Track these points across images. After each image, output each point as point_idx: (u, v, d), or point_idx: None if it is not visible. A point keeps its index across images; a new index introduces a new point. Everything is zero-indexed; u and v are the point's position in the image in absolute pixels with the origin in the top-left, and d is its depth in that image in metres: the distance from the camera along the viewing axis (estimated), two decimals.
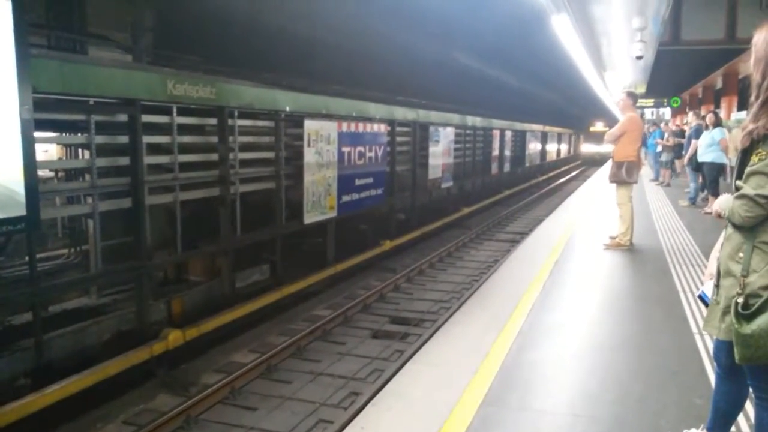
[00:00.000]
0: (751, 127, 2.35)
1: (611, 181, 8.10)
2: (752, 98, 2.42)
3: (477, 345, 4.63)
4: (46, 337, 5.48)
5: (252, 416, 5.62)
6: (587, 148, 48.40)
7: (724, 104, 19.35)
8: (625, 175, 7.78)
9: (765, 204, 2.26)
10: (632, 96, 8.34)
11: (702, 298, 2.69)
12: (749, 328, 2.25)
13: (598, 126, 44.53)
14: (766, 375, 2.44)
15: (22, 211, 4.77)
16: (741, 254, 2.37)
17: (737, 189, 2.37)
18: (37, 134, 5.05)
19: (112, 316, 6.31)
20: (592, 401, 3.71)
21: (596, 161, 42.70)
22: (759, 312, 2.25)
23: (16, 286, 5.75)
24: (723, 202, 2.47)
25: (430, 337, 5.80)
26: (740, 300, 2.31)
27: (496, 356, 4.38)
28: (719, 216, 2.51)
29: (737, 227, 2.40)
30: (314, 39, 10.00)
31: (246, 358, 6.89)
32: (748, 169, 2.33)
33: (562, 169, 37.95)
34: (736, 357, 2.32)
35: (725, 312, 2.42)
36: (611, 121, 32.91)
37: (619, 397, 3.74)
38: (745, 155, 2.38)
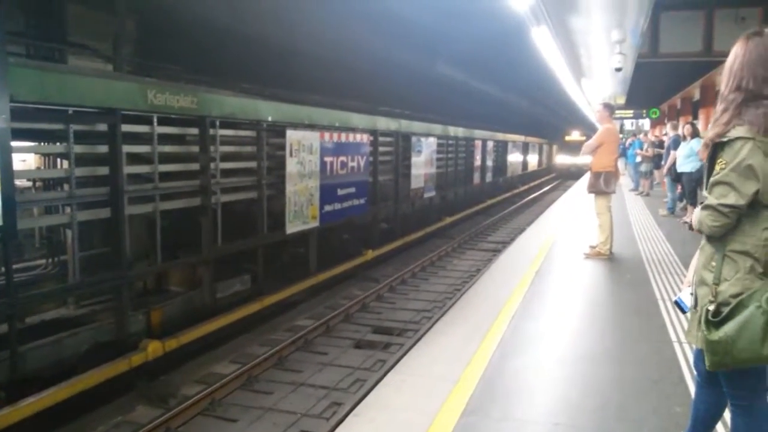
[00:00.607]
0: (710, 134, 2.41)
1: (589, 192, 8.19)
2: (717, 107, 2.50)
3: (459, 354, 4.64)
4: (21, 348, 5.39)
5: (233, 428, 5.57)
6: (562, 159, 43.08)
7: (701, 115, 19.62)
8: (603, 186, 7.87)
9: (728, 213, 2.30)
10: (609, 107, 8.45)
11: (678, 303, 2.73)
12: (716, 335, 2.30)
13: (574, 135, 40.32)
14: (740, 381, 2.48)
15: None
16: (713, 263, 2.41)
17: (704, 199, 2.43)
18: (14, 144, 4.98)
19: (90, 327, 6.22)
20: (573, 410, 3.73)
21: (572, 174, 38.30)
22: (727, 319, 2.30)
23: None
24: (697, 215, 2.49)
25: (413, 346, 5.79)
26: (711, 308, 2.36)
27: (478, 365, 4.39)
28: (699, 231, 2.52)
29: (708, 237, 2.45)
30: (296, 49, 10.00)
31: (227, 369, 6.82)
32: (711, 179, 2.38)
33: (531, 184, 32.86)
34: (707, 364, 2.37)
35: (701, 320, 2.45)
36: (588, 130, 33.15)
37: (600, 406, 3.76)
38: (710, 164, 2.42)
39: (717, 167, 2.34)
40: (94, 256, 6.46)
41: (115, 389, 5.95)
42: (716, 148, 2.37)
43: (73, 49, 6.92)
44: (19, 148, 5.58)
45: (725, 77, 2.46)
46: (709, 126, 2.52)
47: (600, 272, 7.45)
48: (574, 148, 32.60)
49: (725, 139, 2.32)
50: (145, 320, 6.67)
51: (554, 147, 44.29)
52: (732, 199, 2.28)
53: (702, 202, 2.42)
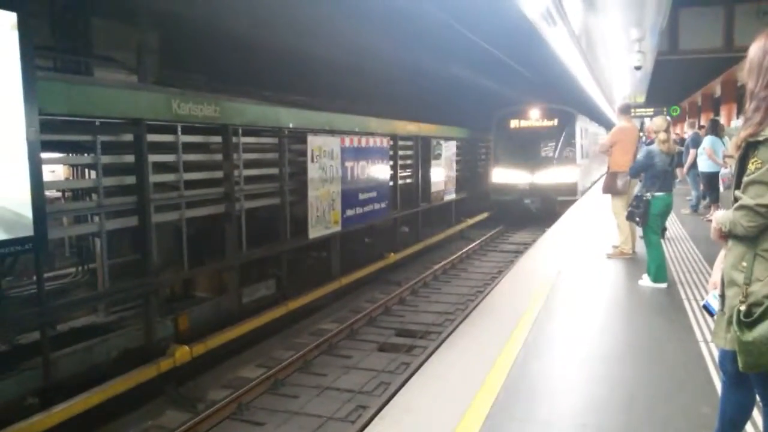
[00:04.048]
0: (742, 134, 2.37)
1: (605, 192, 8.13)
2: (746, 105, 2.44)
3: (483, 356, 4.65)
4: (53, 355, 5.51)
5: (260, 431, 5.63)
6: (504, 174, 17.28)
7: (723, 112, 19.40)
8: (618, 186, 7.80)
9: (765, 213, 2.25)
10: (623, 107, 8.42)
11: (707, 308, 2.68)
12: (751, 336, 2.25)
13: (534, 117, 17.25)
14: None
15: (29, 232, 4.83)
16: (744, 263, 2.36)
17: (737, 199, 2.36)
18: (44, 155, 5.12)
19: (120, 333, 6.34)
20: (599, 411, 3.73)
21: (528, 215, 17.37)
22: (761, 319, 2.25)
23: (24, 305, 5.79)
24: (721, 218, 2.45)
25: (436, 349, 5.82)
26: (743, 308, 2.31)
27: (502, 367, 4.40)
28: (721, 235, 2.48)
29: (739, 238, 2.39)
30: (314, 55, 10.07)
31: (253, 373, 6.90)
32: (745, 179, 2.32)
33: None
34: (740, 365, 2.32)
35: (730, 321, 2.40)
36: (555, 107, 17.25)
37: (627, 406, 3.75)
38: (742, 164, 2.37)
39: (751, 166, 2.29)
40: (123, 264, 6.59)
41: (145, 394, 6.06)
42: (749, 148, 2.33)
43: (99, 62, 7.05)
44: (48, 160, 5.72)
45: (754, 74, 2.39)
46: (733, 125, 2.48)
47: (623, 272, 7.41)
48: (534, 142, 16.88)
49: (760, 139, 2.27)
50: (173, 326, 6.78)
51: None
52: None
53: (735, 201, 2.36)
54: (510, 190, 16.81)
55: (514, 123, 17.24)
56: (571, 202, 15.75)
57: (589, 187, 19.50)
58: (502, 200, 17.30)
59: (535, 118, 17.02)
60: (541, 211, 16.63)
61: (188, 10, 7.22)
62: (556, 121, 16.90)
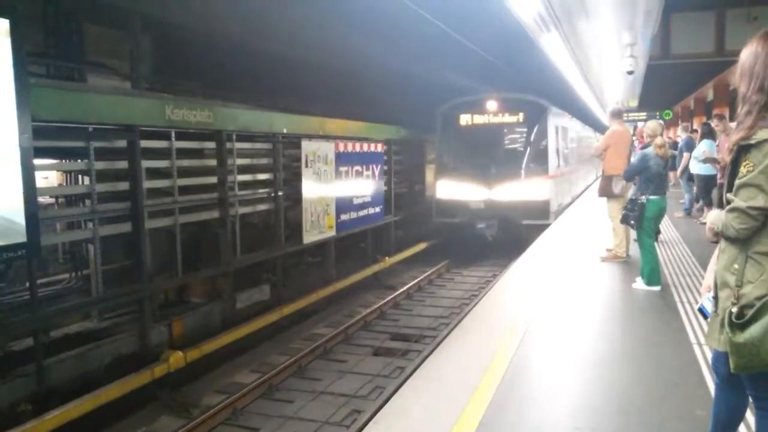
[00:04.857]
0: (734, 137, 2.39)
1: (600, 195, 8.16)
2: (738, 109, 2.46)
3: (477, 359, 4.65)
4: (47, 362, 5.49)
5: None
6: (448, 188, 12.95)
7: (713, 118, 19.47)
8: (613, 189, 7.84)
9: (757, 215, 2.27)
10: (615, 111, 8.48)
11: (702, 311, 2.69)
12: (742, 337, 2.27)
13: (490, 111, 12.95)
14: (765, 383, 2.46)
15: (22, 238, 4.81)
16: (736, 265, 2.37)
17: (728, 202, 2.37)
18: (36, 161, 5.11)
19: (114, 339, 6.32)
20: (594, 414, 3.74)
21: (480, 243, 12.95)
22: (752, 321, 2.27)
23: (17, 311, 5.77)
24: (714, 218, 2.47)
25: (431, 353, 5.82)
26: (734, 310, 2.33)
27: (496, 371, 4.40)
28: (714, 234, 2.49)
29: (731, 240, 2.41)
30: (309, 62, 10.07)
31: (247, 378, 6.89)
32: (737, 182, 2.33)
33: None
34: (731, 366, 2.33)
35: (723, 323, 2.41)
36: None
37: (621, 409, 3.76)
38: (734, 167, 2.39)
39: (743, 169, 2.31)
40: (116, 270, 6.57)
41: (139, 400, 6.04)
42: (741, 151, 2.34)
43: (92, 68, 7.05)
44: (41, 166, 5.71)
45: (745, 78, 2.40)
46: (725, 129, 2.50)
47: (617, 275, 7.43)
48: (491, 145, 13.10)
49: (752, 142, 2.29)
50: (167, 331, 6.77)
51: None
52: (761, 201, 2.25)
53: (727, 204, 2.37)
54: (459, 210, 12.54)
55: (465, 119, 13.01)
56: (542, 228, 11.54)
57: (569, 204, 15.45)
58: (449, 224, 12.90)
59: (493, 112, 12.86)
60: (501, 239, 12.42)
61: (182, 16, 7.22)
62: (521, 117, 12.83)
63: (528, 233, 11.38)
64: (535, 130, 12.87)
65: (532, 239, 10.40)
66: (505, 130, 13.06)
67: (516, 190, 12.30)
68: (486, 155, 12.79)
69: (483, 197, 12.36)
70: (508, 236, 12.23)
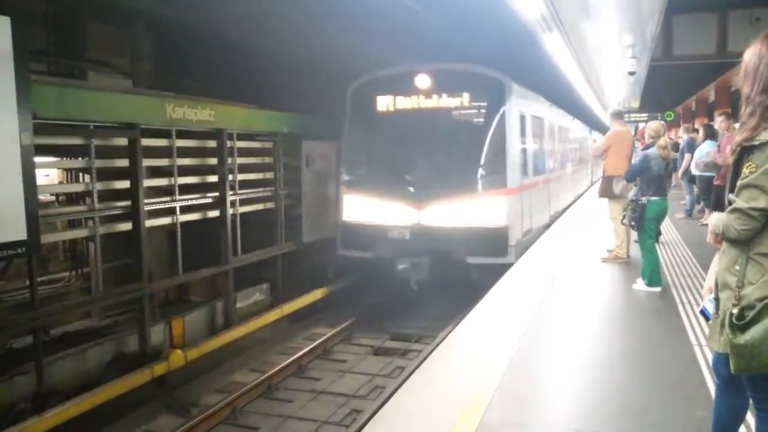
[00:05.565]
0: (738, 138, 2.38)
1: (601, 196, 8.14)
2: (741, 110, 2.45)
3: (477, 360, 4.64)
4: (46, 360, 5.49)
5: None
6: (358, 206, 8.84)
7: (716, 118, 19.46)
8: (615, 190, 7.82)
9: (758, 216, 2.27)
10: (616, 113, 8.45)
11: (703, 312, 2.68)
12: (743, 339, 2.26)
13: (422, 87, 8.76)
14: (765, 385, 2.45)
15: (22, 236, 4.81)
16: (737, 267, 2.37)
17: (730, 203, 2.37)
18: (37, 159, 5.10)
19: (114, 338, 6.32)
20: (593, 415, 3.72)
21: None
22: (753, 322, 2.26)
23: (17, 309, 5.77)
24: (715, 221, 2.46)
25: (431, 353, 5.80)
26: (735, 311, 2.32)
27: (496, 371, 4.39)
28: (716, 237, 2.48)
29: (732, 241, 2.40)
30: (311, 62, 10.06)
31: (247, 377, 6.88)
32: (739, 183, 2.33)
33: None
34: (732, 367, 2.32)
35: (723, 324, 2.40)
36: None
37: (621, 410, 3.75)
38: (736, 168, 2.38)
39: (745, 170, 2.30)
40: (116, 268, 6.57)
41: (139, 398, 6.04)
42: (744, 152, 2.34)
43: (93, 66, 7.05)
44: (42, 164, 5.71)
45: (749, 79, 2.40)
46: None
47: (618, 276, 7.42)
48: (421, 141, 9.04)
49: (755, 143, 2.29)
50: (167, 330, 6.77)
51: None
52: (763, 202, 2.25)
53: (729, 205, 2.36)
54: (373, 240, 8.53)
55: (384, 103, 8.96)
56: (499, 269, 7.79)
57: (548, 226, 11.50)
58: (359, 259, 8.91)
59: (424, 91, 8.76)
60: (434, 285, 8.60)
61: (185, 15, 7.21)
62: (466, 98, 8.84)
63: (483, 276, 7.90)
64: (487, 120, 8.86)
65: (492, 283, 7.00)
66: (443, 120, 8.96)
67: (457, 212, 8.30)
68: (413, 158, 8.84)
69: (408, 222, 8.37)
70: (447, 277, 8.50)
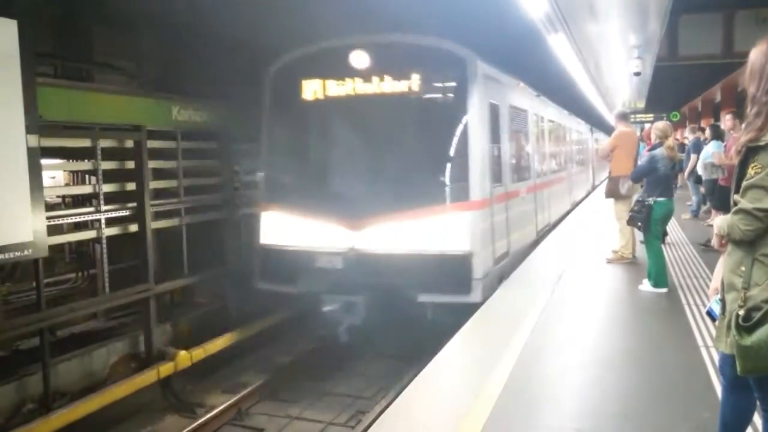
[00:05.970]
0: (743, 139, 2.38)
1: (607, 197, 8.12)
2: (747, 110, 2.45)
3: (482, 362, 4.62)
4: (53, 361, 5.51)
5: None
6: (278, 224, 6.89)
7: (723, 117, 19.40)
8: (621, 190, 7.80)
9: (763, 217, 2.26)
10: (621, 114, 8.46)
11: (710, 313, 2.67)
12: (749, 340, 2.25)
13: (360, 67, 6.71)
14: None
15: (29, 237, 4.83)
16: (743, 268, 2.35)
17: (735, 204, 2.36)
18: (43, 161, 5.13)
19: (120, 338, 6.34)
20: (597, 416, 3.71)
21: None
22: (759, 324, 2.25)
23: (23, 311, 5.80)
24: (720, 223, 2.45)
25: (436, 355, 5.79)
26: (741, 312, 2.31)
27: (501, 373, 4.38)
28: (722, 240, 2.46)
29: (738, 242, 2.39)
30: None
31: (253, 378, 6.88)
32: (744, 183, 2.32)
33: None
34: (738, 369, 2.31)
35: (730, 326, 2.39)
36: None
37: (625, 411, 3.73)
38: (741, 168, 2.37)
39: (751, 171, 2.30)
40: (122, 270, 6.59)
41: (145, 399, 6.06)
42: (749, 153, 2.33)
43: (100, 68, 7.07)
44: (48, 166, 5.73)
45: (756, 80, 2.40)
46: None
47: (623, 276, 7.39)
48: (361, 138, 6.80)
49: (761, 143, 2.28)
50: (173, 331, 6.78)
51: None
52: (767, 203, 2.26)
53: (734, 205, 2.35)
54: (298, 271, 6.68)
55: (311, 89, 6.99)
56: (466, 311, 6.05)
57: (533, 244, 9.61)
58: (282, 294, 7.15)
59: (363, 72, 6.81)
60: (374, 329, 6.68)
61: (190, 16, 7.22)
62: (417, 81, 6.76)
63: (438, 314, 6.38)
64: (445, 111, 7.11)
65: (460, 324, 5.58)
66: (387, 112, 6.98)
67: (405, 234, 6.47)
68: (348, 162, 6.93)
69: (340, 246, 6.55)
70: (394, 319, 6.51)
